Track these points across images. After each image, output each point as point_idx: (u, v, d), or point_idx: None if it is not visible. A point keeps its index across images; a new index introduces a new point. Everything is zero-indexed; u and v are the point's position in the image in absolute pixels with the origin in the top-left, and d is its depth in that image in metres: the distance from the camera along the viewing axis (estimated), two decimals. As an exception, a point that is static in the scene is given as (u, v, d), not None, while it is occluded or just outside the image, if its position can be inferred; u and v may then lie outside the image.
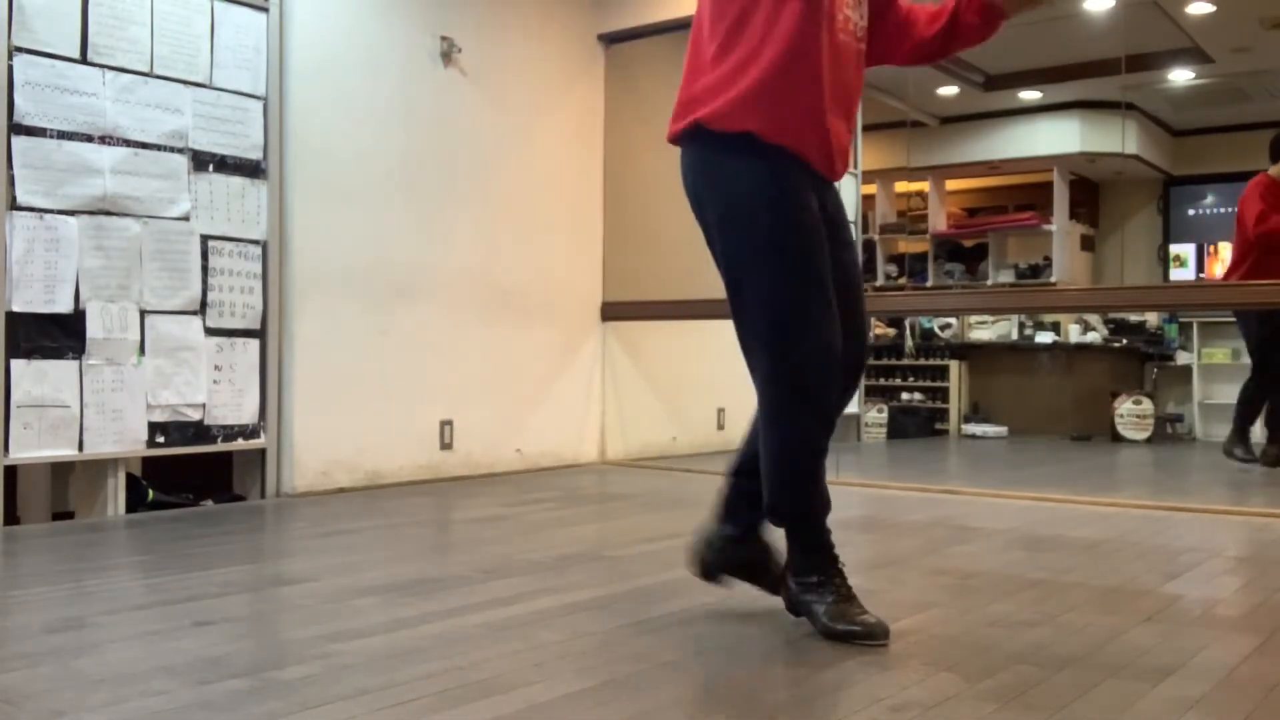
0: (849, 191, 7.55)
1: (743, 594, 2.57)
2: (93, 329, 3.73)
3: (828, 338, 2.12)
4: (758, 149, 2.11)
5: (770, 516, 2.24)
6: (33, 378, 3.58)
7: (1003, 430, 8.23)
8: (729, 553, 2.32)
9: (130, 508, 3.83)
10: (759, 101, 2.10)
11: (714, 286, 5.90)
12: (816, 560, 2.19)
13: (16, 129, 3.56)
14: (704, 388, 6.24)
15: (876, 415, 7.96)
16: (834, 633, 2.12)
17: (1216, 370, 8.10)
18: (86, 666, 1.95)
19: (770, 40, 2.10)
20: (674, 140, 2.23)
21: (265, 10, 4.26)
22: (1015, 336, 8.53)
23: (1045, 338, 8.38)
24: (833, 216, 2.24)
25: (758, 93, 2.10)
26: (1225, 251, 8.53)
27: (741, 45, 2.11)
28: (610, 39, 5.64)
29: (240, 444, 4.17)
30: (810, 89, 2.12)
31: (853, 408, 7.52)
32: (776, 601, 2.41)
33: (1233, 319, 6.61)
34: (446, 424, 4.88)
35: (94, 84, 3.75)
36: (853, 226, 7.53)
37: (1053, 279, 8.65)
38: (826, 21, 2.11)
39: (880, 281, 9.28)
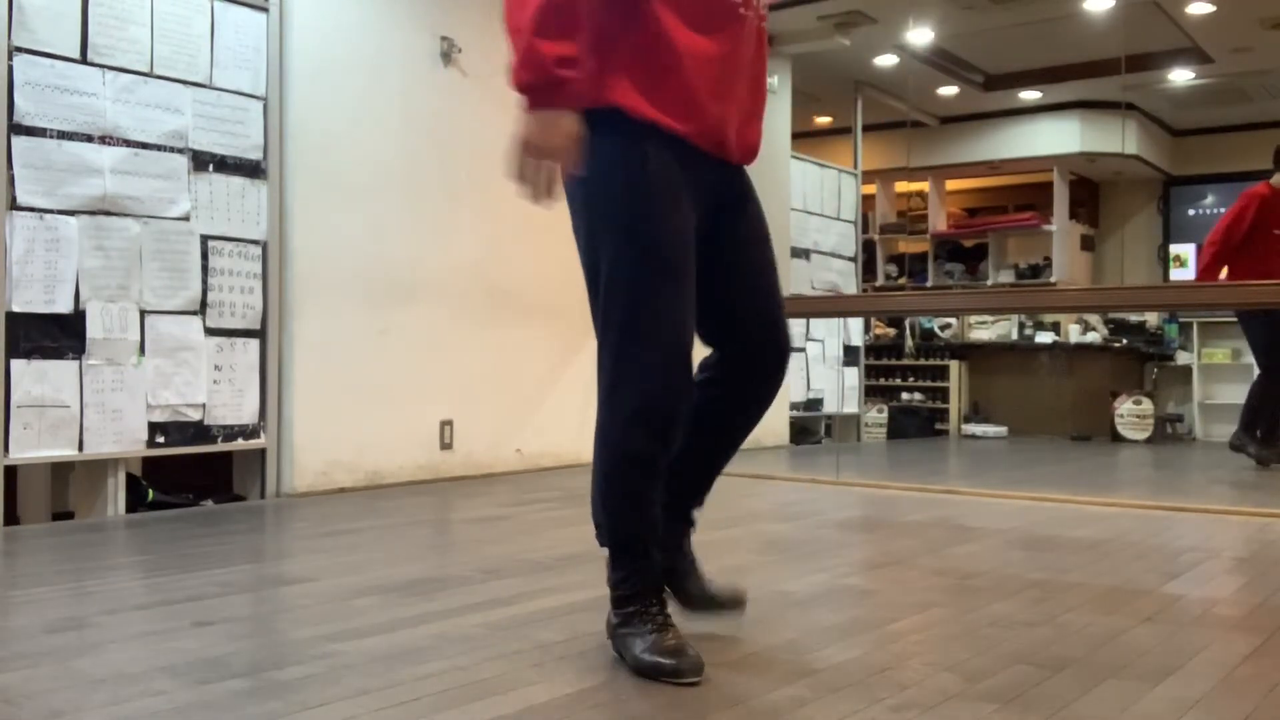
0: (849, 191, 7.56)
1: (743, 594, 2.58)
2: (93, 329, 3.73)
3: (676, 335, 1.90)
4: (622, 125, 1.90)
5: (597, 535, 2.01)
6: (33, 378, 3.58)
7: (1003, 430, 8.24)
8: None
9: (130, 508, 3.83)
10: (628, 75, 1.90)
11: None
12: (637, 589, 1.94)
13: (16, 129, 3.56)
14: (704, 388, 6.22)
15: (876, 415, 7.97)
16: (644, 666, 1.87)
17: (1216, 370, 8.10)
18: (86, 666, 1.95)
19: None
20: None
21: (265, 10, 4.26)
22: (1015, 336, 8.54)
23: (1045, 338, 8.39)
24: (733, 202, 2.05)
25: (627, 66, 1.90)
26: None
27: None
28: (610, 39, 5.63)
29: (240, 444, 4.17)
30: (691, 66, 1.90)
31: (852, 407, 7.53)
32: (774, 602, 2.42)
33: (1233, 319, 6.62)
34: (446, 424, 4.88)
35: (94, 84, 3.75)
36: (854, 228, 7.58)
37: (1053, 279, 8.66)
38: None
39: (880, 281, 9.30)
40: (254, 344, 4.21)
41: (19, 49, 3.57)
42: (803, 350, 7.08)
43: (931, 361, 8.59)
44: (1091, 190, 9.35)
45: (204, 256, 4.04)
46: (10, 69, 3.55)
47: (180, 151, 3.99)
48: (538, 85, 1.79)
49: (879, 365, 8.66)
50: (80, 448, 3.70)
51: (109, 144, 3.78)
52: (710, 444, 2.13)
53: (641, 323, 1.89)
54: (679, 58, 1.89)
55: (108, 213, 3.78)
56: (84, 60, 3.73)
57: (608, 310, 1.91)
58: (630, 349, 1.89)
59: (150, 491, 3.93)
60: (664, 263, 1.89)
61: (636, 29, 1.90)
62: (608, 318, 1.92)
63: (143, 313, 3.87)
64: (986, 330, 8.61)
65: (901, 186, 9.47)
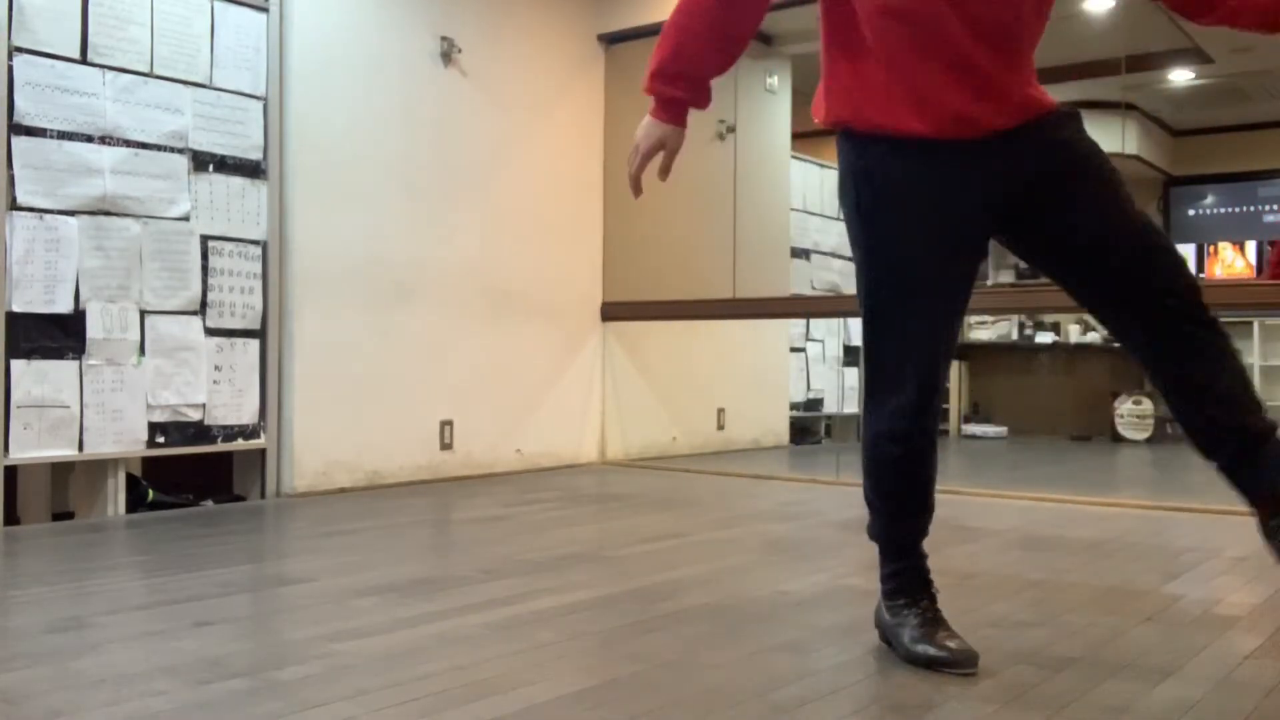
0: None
1: (740, 594, 2.58)
2: (93, 329, 3.73)
3: (919, 358, 1.91)
4: (849, 140, 1.93)
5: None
6: (33, 378, 3.58)
7: (1003, 430, 8.23)
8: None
9: (130, 508, 3.83)
10: (845, 84, 1.90)
11: (714, 287, 5.89)
12: (899, 584, 2.06)
13: (16, 129, 3.56)
14: (704, 388, 6.23)
15: (876, 415, 7.95)
16: (915, 656, 1.96)
17: (1216, 370, 8.09)
18: (86, 666, 1.95)
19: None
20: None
21: (265, 10, 4.26)
22: (1015, 336, 8.53)
23: (1045, 338, 8.38)
24: (1041, 172, 1.90)
25: (840, 75, 1.92)
26: (1225, 251, 8.55)
27: None
28: (610, 39, 5.64)
29: (240, 444, 4.17)
30: (897, 49, 1.81)
31: (853, 408, 7.52)
32: (774, 602, 2.41)
33: (1233, 319, 6.60)
34: (446, 424, 4.88)
35: (94, 84, 3.75)
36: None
37: (1053, 279, 8.64)
38: None
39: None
40: (254, 344, 4.20)
41: (19, 49, 3.57)
42: (803, 350, 7.08)
43: (931, 361, 8.57)
44: (1092, 190, 9.34)
45: (204, 256, 4.04)
46: (10, 69, 3.55)
47: (180, 152, 3.99)
48: (649, 94, 2.01)
49: (879, 365, 8.65)
50: (80, 448, 3.70)
51: (109, 144, 3.78)
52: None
53: (886, 344, 1.94)
54: (877, 53, 1.82)
55: (108, 213, 3.78)
56: (84, 60, 3.73)
57: (864, 322, 1.98)
58: (883, 364, 1.95)
59: (150, 491, 3.93)
60: (903, 283, 1.91)
61: (837, 37, 1.90)
62: (865, 329, 1.98)
63: (143, 313, 3.87)
64: (986, 330, 8.60)
65: (901, 186, 9.46)
